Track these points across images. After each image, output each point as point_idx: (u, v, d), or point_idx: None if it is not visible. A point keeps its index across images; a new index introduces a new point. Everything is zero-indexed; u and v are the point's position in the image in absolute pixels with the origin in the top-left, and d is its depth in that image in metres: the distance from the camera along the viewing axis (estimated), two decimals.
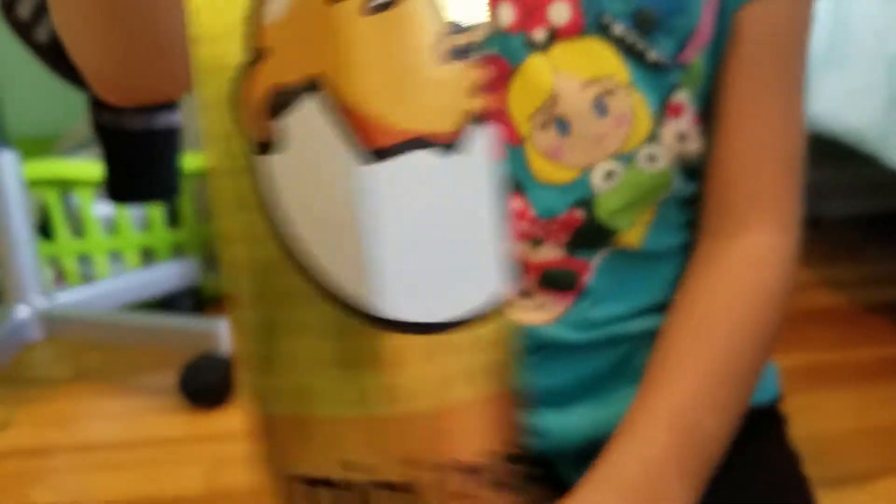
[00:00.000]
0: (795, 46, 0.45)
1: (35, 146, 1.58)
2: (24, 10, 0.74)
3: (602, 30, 0.41)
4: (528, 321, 0.44)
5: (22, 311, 1.05)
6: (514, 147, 0.42)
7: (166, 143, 0.84)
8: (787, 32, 0.45)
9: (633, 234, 0.45)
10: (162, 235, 1.34)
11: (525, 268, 0.44)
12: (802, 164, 0.45)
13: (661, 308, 0.45)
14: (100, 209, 1.30)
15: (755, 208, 0.44)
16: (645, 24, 0.41)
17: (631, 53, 0.41)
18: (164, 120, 0.84)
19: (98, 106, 0.83)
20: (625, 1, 0.40)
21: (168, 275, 1.30)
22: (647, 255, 0.45)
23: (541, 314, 0.44)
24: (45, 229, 1.30)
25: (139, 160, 0.84)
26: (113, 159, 0.84)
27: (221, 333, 1.03)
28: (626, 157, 0.42)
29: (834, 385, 1.07)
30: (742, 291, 0.43)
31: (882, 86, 1.02)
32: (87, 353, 1.18)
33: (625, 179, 0.42)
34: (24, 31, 0.75)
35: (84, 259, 1.32)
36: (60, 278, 1.35)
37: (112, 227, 1.32)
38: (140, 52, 0.36)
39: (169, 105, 0.84)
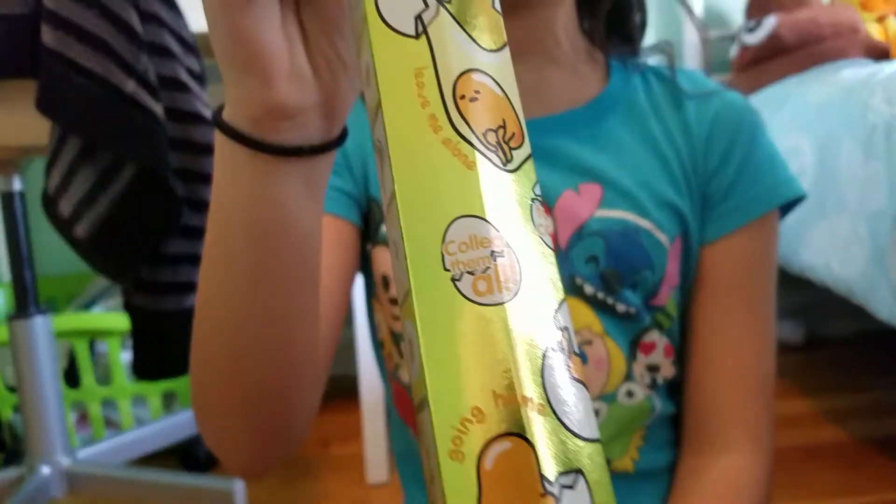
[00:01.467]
0: (758, 274, 0.48)
1: (64, 285, 1.63)
2: (65, 208, 0.78)
3: (576, 290, 0.45)
4: None
5: (45, 470, 1.04)
6: None
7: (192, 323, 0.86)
8: (747, 263, 0.48)
9: (627, 460, 0.48)
10: (184, 380, 1.34)
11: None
12: (772, 385, 0.47)
13: None
14: (125, 356, 1.31)
15: (729, 431, 0.47)
16: (611, 283, 0.45)
17: (602, 308, 0.45)
18: (193, 298, 0.86)
19: (128, 288, 0.85)
20: (592, 265, 0.45)
21: (188, 420, 1.29)
22: (642, 475, 0.47)
23: None
24: (70, 374, 1.31)
25: (168, 339, 0.85)
26: (142, 338, 0.85)
27: (237, 491, 1.02)
28: (608, 397, 0.45)
29: None
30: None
31: (866, 240, 1.04)
32: None
33: (609, 416, 0.46)
34: (64, 227, 0.78)
35: (108, 402, 1.32)
36: (84, 420, 1.35)
37: None
38: (275, 445, 0.38)
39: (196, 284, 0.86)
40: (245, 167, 0.29)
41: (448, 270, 0.20)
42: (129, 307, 0.85)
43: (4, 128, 0.83)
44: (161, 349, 0.86)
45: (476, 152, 0.21)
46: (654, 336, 0.46)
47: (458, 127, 0.21)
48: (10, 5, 0.72)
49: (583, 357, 0.45)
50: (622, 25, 0.51)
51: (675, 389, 0.49)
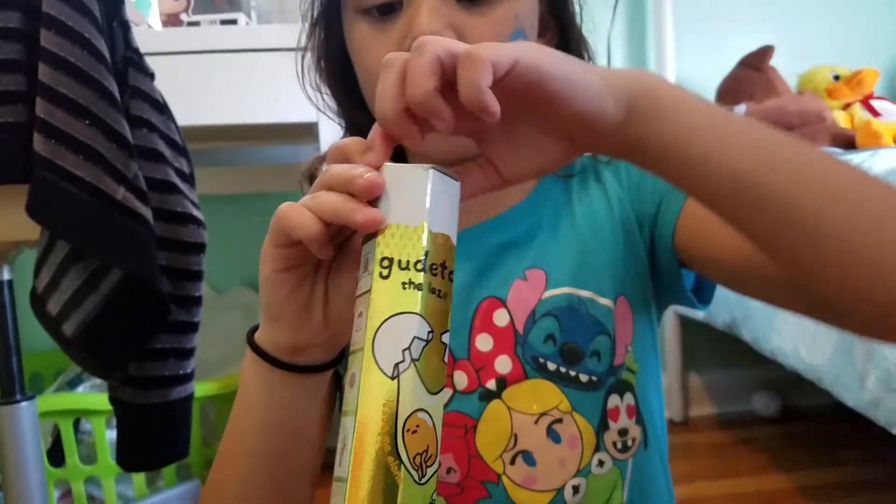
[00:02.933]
0: None
1: (49, 359, 1.60)
2: (54, 307, 0.77)
3: (540, 369, 0.46)
4: None
5: None
6: (494, 485, 0.46)
7: (181, 413, 0.85)
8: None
9: None
10: None
11: None
12: None
13: None
14: (110, 434, 1.29)
15: None
16: (571, 356, 0.47)
17: (567, 381, 0.46)
18: (179, 391, 0.85)
19: (114, 383, 0.84)
20: (550, 343, 0.46)
21: (173, 497, 1.26)
22: None
23: None
24: (54, 452, 1.28)
25: (153, 431, 0.84)
26: (127, 430, 0.84)
27: None
28: (584, 471, 0.46)
29: None
30: None
31: (830, 333, 1.05)
32: None
33: (588, 489, 0.46)
34: (52, 325, 0.77)
35: (91, 480, 1.29)
36: (67, 497, 1.31)
37: None
38: None
39: (187, 377, 0.85)
40: (267, 377, 0.39)
41: None
42: (113, 401, 0.84)
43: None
44: (146, 441, 0.84)
45: (405, 470, 0.29)
46: (617, 401, 0.47)
47: (399, 451, 0.29)
48: (8, 114, 0.73)
49: (557, 438, 0.46)
50: None
51: (652, 449, 0.49)
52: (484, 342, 0.47)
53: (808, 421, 1.74)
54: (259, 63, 1.11)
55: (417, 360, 0.29)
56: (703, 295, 0.50)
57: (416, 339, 0.29)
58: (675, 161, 0.32)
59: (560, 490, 0.46)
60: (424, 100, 0.28)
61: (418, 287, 0.29)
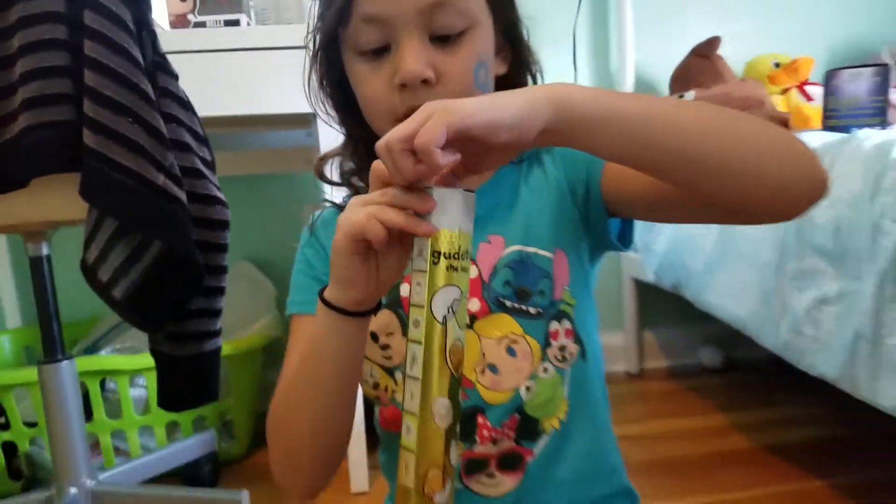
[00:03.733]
0: None
1: (68, 331, 1.72)
2: (104, 275, 0.90)
3: (500, 306, 0.61)
4: (490, 495, 0.62)
5: (73, 491, 1.14)
6: (470, 389, 0.61)
7: (212, 362, 0.99)
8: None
9: (555, 420, 0.63)
10: (186, 412, 1.45)
11: (488, 460, 0.60)
12: None
13: (580, 482, 0.62)
14: (133, 392, 1.42)
15: None
16: (523, 295, 0.62)
17: (520, 314, 0.61)
18: (210, 344, 0.99)
19: (155, 336, 0.98)
20: (507, 287, 0.61)
21: (192, 445, 1.40)
22: (568, 434, 0.63)
23: (498, 489, 0.62)
24: (83, 409, 1.40)
25: (189, 377, 0.97)
26: (167, 377, 0.98)
27: (244, 500, 1.13)
28: (534, 376, 0.61)
29: None
30: None
31: (756, 286, 1.22)
32: None
33: (538, 388, 0.62)
34: (103, 290, 0.90)
35: (116, 433, 1.43)
36: (95, 449, 1.44)
37: (144, 406, 1.43)
38: (329, 472, 0.60)
39: (216, 333, 0.99)
40: (335, 323, 0.52)
41: None
42: (154, 353, 0.97)
43: (44, 209, 0.94)
44: (182, 386, 0.98)
45: (450, 370, 0.45)
46: (557, 326, 0.62)
47: (447, 361, 0.45)
48: (57, 114, 0.85)
49: (513, 353, 0.61)
50: None
51: (586, 361, 0.63)
52: None
53: (747, 371, 1.93)
54: (260, 60, 1.23)
55: (456, 312, 0.45)
56: (625, 240, 0.64)
57: (454, 301, 0.45)
58: (589, 146, 0.47)
59: (517, 389, 0.61)
60: (432, 156, 0.42)
61: (455, 269, 0.45)
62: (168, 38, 1.03)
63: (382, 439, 0.70)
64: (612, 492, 0.67)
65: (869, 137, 1.10)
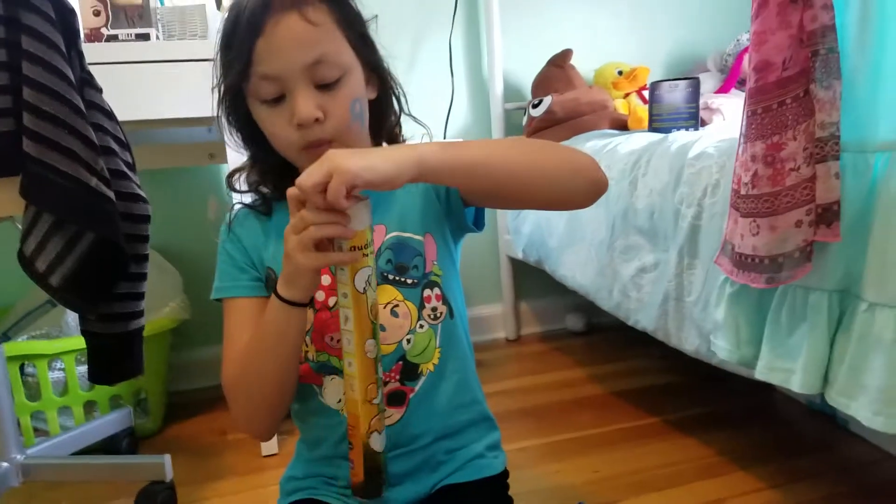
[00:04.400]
0: None
1: None
2: (41, 264, 1.02)
3: (384, 279, 0.78)
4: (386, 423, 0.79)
5: (4, 465, 1.25)
6: None
7: (136, 340, 1.13)
8: None
9: (430, 365, 0.80)
10: (103, 390, 1.56)
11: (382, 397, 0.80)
12: None
13: (450, 411, 0.81)
14: (52, 374, 1.52)
15: None
16: (401, 270, 0.78)
17: (400, 284, 0.78)
18: (134, 324, 1.13)
19: (85, 316, 1.11)
20: (389, 264, 0.78)
21: (111, 421, 1.52)
22: (440, 375, 0.80)
23: (389, 420, 0.79)
24: None
25: (118, 354, 1.11)
26: (97, 354, 1.11)
27: (167, 464, 1.28)
28: (411, 332, 0.78)
29: (593, 451, 1.45)
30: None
31: (593, 260, 1.49)
32: (57, 490, 1.38)
33: (415, 341, 0.78)
34: (41, 279, 1.02)
35: (36, 415, 1.52)
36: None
37: (63, 388, 1.53)
38: (277, 418, 0.76)
39: (140, 314, 1.13)
40: (286, 312, 0.67)
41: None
42: (85, 332, 1.10)
43: None
44: (111, 362, 1.12)
45: (371, 320, 0.65)
46: (429, 292, 0.79)
47: (371, 317, 0.65)
48: (0, 125, 0.97)
49: (396, 315, 0.77)
50: (392, 140, 0.85)
51: (454, 318, 0.81)
52: None
53: (605, 332, 2.25)
54: (170, 70, 1.36)
55: (370, 284, 0.63)
56: (479, 224, 0.82)
57: (368, 276, 0.63)
58: (444, 183, 0.70)
59: (399, 342, 0.78)
60: (340, 205, 0.59)
61: (366, 255, 0.62)
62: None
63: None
64: (475, 417, 0.86)
65: (677, 140, 1.39)
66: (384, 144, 0.85)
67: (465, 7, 2.17)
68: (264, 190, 0.83)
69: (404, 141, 0.87)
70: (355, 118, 0.74)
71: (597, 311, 2.16)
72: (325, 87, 0.72)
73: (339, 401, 0.78)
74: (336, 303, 0.74)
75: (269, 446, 1.52)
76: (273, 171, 0.81)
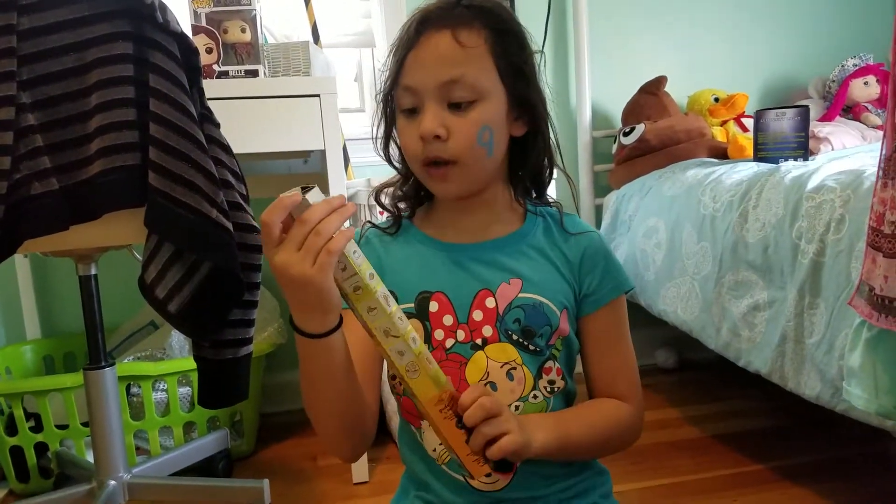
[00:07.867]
0: (619, 327, 0.81)
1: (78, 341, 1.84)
2: (161, 292, 1.05)
3: (508, 338, 0.75)
4: (492, 489, 0.76)
5: (112, 483, 1.28)
6: None
7: (245, 366, 1.15)
8: (613, 323, 0.80)
9: None
10: (202, 412, 1.60)
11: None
12: (637, 376, 0.81)
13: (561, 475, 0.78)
14: (156, 395, 1.56)
15: (620, 396, 0.79)
16: (528, 334, 0.75)
17: (522, 348, 0.75)
18: (244, 350, 1.15)
19: (198, 342, 1.13)
20: (517, 324, 0.75)
21: (209, 442, 1.55)
22: None
23: (496, 485, 0.76)
24: None
25: (227, 379, 1.13)
26: (208, 379, 1.13)
27: (265, 489, 1.29)
28: (524, 398, 0.75)
29: (693, 499, 1.38)
30: (613, 404, 0.78)
31: (698, 296, 1.43)
32: None
33: (523, 409, 0.75)
34: (159, 305, 1.06)
35: (139, 433, 1.57)
36: None
37: (164, 408, 1.58)
38: (359, 443, 0.75)
39: (249, 340, 1.15)
40: (307, 346, 0.65)
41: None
42: (197, 358, 1.13)
43: (101, 236, 1.09)
44: (220, 387, 1.14)
45: (405, 323, 0.64)
46: (551, 364, 0.76)
47: (398, 322, 0.64)
48: (127, 160, 1.01)
49: (511, 378, 0.74)
50: (537, 185, 0.83)
51: (565, 394, 0.79)
52: (477, 315, 0.75)
53: (698, 370, 2.15)
54: (276, 106, 1.39)
55: (390, 301, 0.63)
56: None
57: (389, 294, 0.63)
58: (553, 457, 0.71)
59: (508, 406, 0.73)
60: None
61: (379, 282, 0.62)
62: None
63: (401, 425, 0.84)
64: (588, 464, 0.82)
65: (790, 171, 1.33)
66: (526, 184, 0.83)
67: (553, 36, 2.16)
68: (401, 205, 0.83)
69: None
70: (481, 145, 0.73)
71: (689, 346, 2.10)
72: (456, 106, 0.72)
73: (434, 449, 0.76)
74: (453, 344, 0.75)
75: (360, 474, 1.52)
76: (412, 188, 0.83)
